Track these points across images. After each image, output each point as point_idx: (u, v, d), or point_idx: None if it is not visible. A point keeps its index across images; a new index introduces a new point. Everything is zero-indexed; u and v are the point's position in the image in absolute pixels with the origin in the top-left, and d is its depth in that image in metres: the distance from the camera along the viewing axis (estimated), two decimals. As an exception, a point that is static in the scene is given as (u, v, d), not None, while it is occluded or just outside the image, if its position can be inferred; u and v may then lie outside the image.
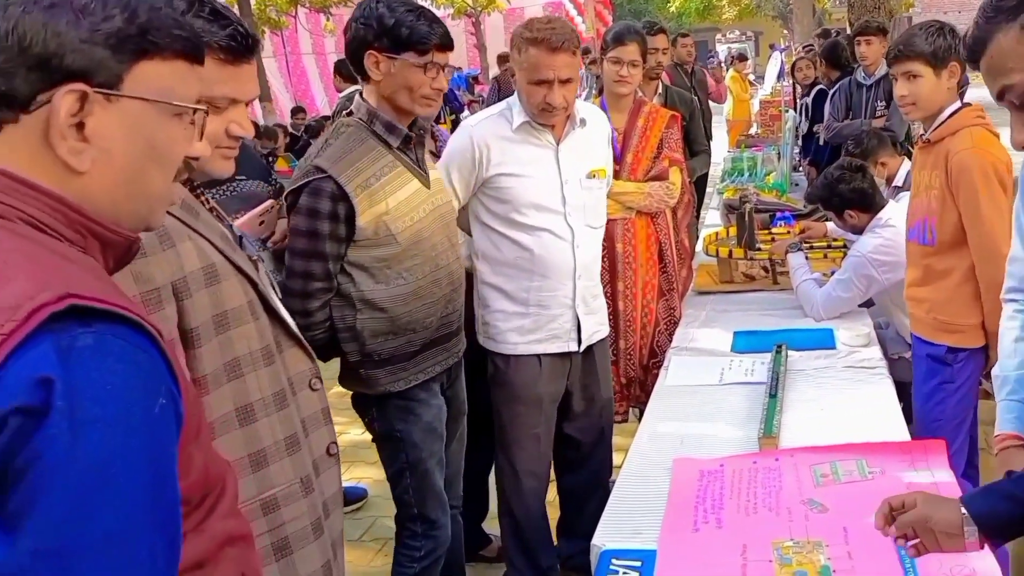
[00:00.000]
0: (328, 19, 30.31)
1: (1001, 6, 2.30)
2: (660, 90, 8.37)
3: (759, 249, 6.30)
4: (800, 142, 11.78)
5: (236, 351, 2.62)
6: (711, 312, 5.83)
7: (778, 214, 7.40)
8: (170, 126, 1.71)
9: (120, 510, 1.40)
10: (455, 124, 13.68)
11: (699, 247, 7.09)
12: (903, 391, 4.69)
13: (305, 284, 3.80)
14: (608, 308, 5.21)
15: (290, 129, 18.12)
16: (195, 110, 1.76)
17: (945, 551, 2.52)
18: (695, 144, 8.23)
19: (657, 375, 5.06)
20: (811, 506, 3.29)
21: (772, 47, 35.59)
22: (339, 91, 9.98)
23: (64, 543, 1.35)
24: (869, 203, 5.53)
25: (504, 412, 4.83)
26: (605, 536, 3.33)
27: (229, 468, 1.90)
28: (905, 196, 5.42)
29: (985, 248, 4.18)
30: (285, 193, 3.88)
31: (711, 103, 12.87)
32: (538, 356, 4.71)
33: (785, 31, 46.64)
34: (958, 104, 4.44)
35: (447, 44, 3.93)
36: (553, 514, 5.19)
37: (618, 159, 5.51)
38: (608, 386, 5.19)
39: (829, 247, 6.29)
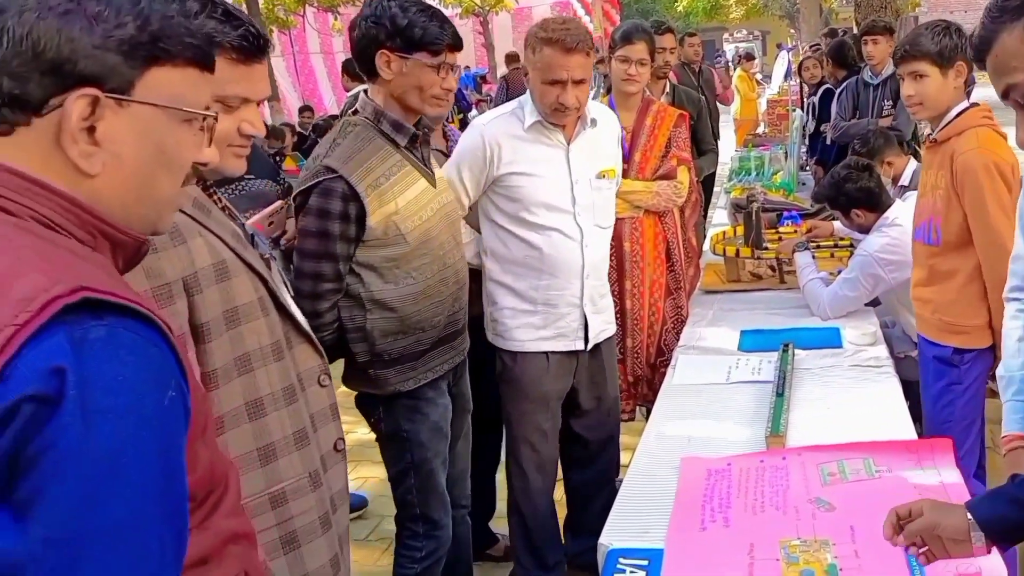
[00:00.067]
0: (336, 18, 30.35)
1: (1006, 6, 2.32)
2: (667, 89, 8.38)
3: (766, 248, 6.29)
4: (807, 141, 11.77)
5: (246, 346, 2.65)
6: (718, 311, 5.84)
7: (785, 213, 7.40)
8: (180, 132, 1.73)
9: (130, 500, 1.42)
10: (463, 123, 13.68)
11: (706, 246, 7.09)
12: (909, 390, 4.68)
13: (315, 285, 3.79)
14: (615, 306, 5.21)
15: (298, 128, 18.13)
16: (205, 116, 1.78)
17: (954, 557, 2.53)
18: (702, 143, 8.24)
19: (664, 373, 5.06)
20: (818, 505, 3.30)
21: (779, 46, 35.62)
22: (347, 90, 9.99)
23: (74, 531, 1.37)
24: (876, 202, 5.53)
25: (512, 409, 4.84)
26: (612, 535, 3.33)
27: (232, 467, 1.91)
28: (912, 195, 5.43)
29: (992, 247, 4.17)
30: (294, 194, 3.86)
31: (718, 104, 12.87)
32: (546, 353, 4.72)
33: (792, 30, 46.67)
34: (965, 104, 4.44)
35: (458, 44, 3.94)
36: (560, 512, 5.19)
37: (626, 158, 5.50)
38: (615, 384, 5.20)
39: (836, 246, 6.28)
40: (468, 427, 4.52)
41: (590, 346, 4.81)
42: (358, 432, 5.61)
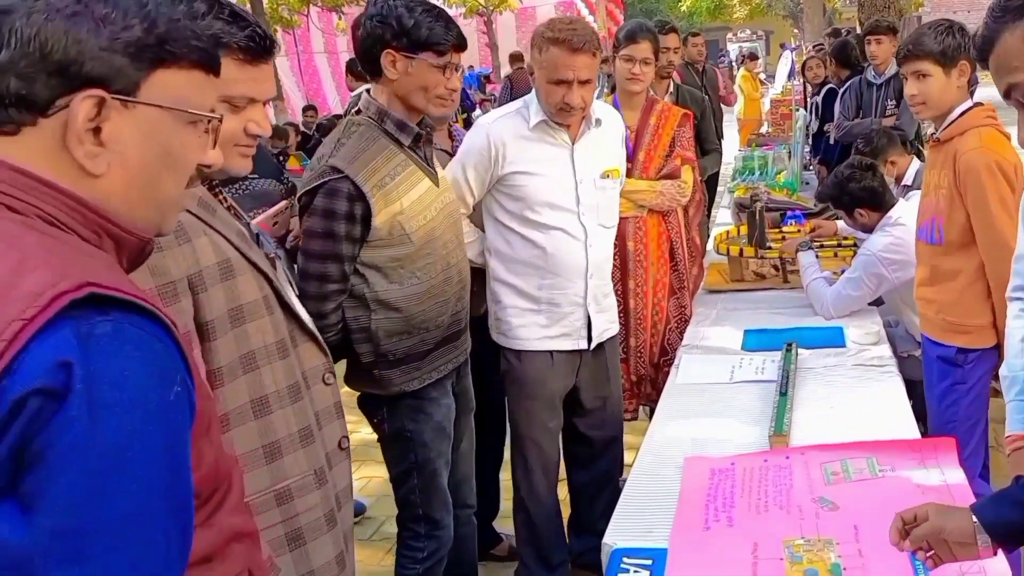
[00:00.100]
0: (340, 18, 30.35)
1: (1008, 6, 2.33)
2: (671, 89, 8.37)
3: (770, 248, 6.30)
4: (810, 141, 11.77)
5: (251, 344, 2.67)
6: (722, 310, 5.85)
7: (789, 213, 7.41)
8: (184, 133, 1.74)
9: (136, 494, 1.43)
10: (467, 123, 13.69)
11: (710, 245, 7.09)
12: (912, 389, 4.69)
13: (321, 286, 3.78)
14: (619, 306, 5.23)
15: (302, 128, 18.13)
16: (209, 118, 1.79)
17: (960, 560, 2.53)
18: (706, 143, 8.23)
19: (668, 373, 5.06)
20: (822, 504, 3.30)
21: (783, 46, 35.60)
22: (351, 90, 9.97)
23: (80, 523, 1.38)
24: (879, 202, 5.53)
25: (518, 409, 4.85)
26: (616, 534, 3.33)
27: (236, 465, 1.93)
28: (915, 195, 5.43)
29: (994, 247, 4.17)
30: (299, 194, 3.85)
31: (721, 104, 12.87)
32: (550, 352, 4.73)
33: (796, 30, 46.60)
34: (969, 103, 4.44)
35: (462, 45, 3.96)
36: (564, 512, 5.19)
37: (630, 157, 5.51)
38: (618, 383, 5.21)
39: (839, 246, 6.29)
40: (471, 426, 4.53)
41: (593, 345, 4.81)
42: (361, 432, 5.60)
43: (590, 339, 4.78)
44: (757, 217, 6.29)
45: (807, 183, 10.05)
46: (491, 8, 34.72)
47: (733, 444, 3.92)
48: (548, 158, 4.57)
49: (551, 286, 4.63)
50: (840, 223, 6.28)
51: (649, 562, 3.10)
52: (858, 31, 15.17)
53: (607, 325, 4.92)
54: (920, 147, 8.72)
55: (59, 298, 1.42)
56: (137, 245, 1.74)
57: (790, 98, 15.55)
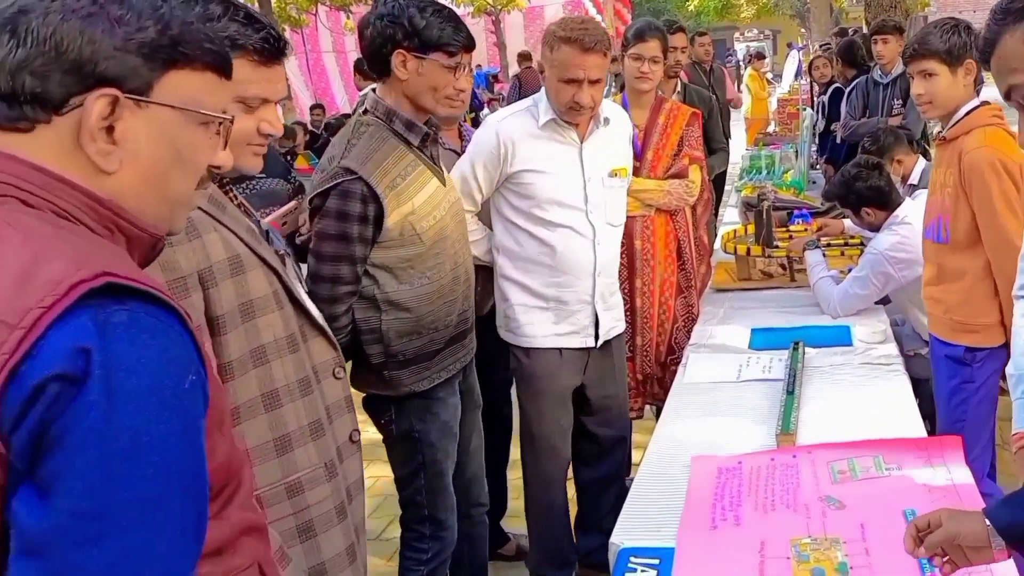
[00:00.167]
0: (348, 17, 30.30)
1: (1010, 8, 2.34)
2: (679, 88, 8.38)
3: (777, 246, 6.30)
4: (817, 140, 11.77)
5: (262, 339, 2.71)
6: (729, 309, 5.86)
7: (796, 212, 7.41)
8: (196, 134, 1.76)
9: (152, 478, 1.45)
10: (475, 122, 13.71)
11: (717, 244, 7.09)
12: (919, 387, 4.69)
13: (333, 288, 3.78)
14: (625, 305, 5.23)
15: (310, 127, 18.13)
16: (221, 120, 1.81)
17: (975, 564, 2.53)
18: (713, 142, 8.24)
19: (675, 372, 5.07)
20: (828, 503, 3.30)
21: (790, 46, 35.62)
22: (359, 89, 10.00)
23: (97, 506, 1.41)
24: (886, 201, 5.54)
25: (529, 407, 4.86)
26: (623, 534, 3.33)
27: (246, 461, 1.95)
28: (921, 194, 5.43)
29: (999, 245, 4.17)
30: (310, 195, 3.84)
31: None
32: (559, 350, 4.74)
33: (803, 30, 46.60)
34: (976, 102, 4.43)
35: (471, 45, 3.97)
36: (571, 510, 5.19)
37: (638, 156, 5.51)
38: (624, 382, 5.23)
39: (846, 244, 6.30)
40: (479, 424, 4.53)
41: (600, 343, 4.82)
42: (368, 432, 5.63)
43: (597, 337, 4.80)
44: (764, 216, 6.29)
45: (814, 182, 10.04)
46: (499, 7, 34.68)
47: (740, 443, 3.93)
48: (557, 156, 4.58)
49: (559, 284, 4.64)
50: (847, 222, 6.28)
51: (656, 561, 3.10)
52: (864, 31, 15.21)
53: (614, 323, 4.93)
54: (926, 146, 8.74)
55: (77, 286, 1.44)
56: (149, 242, 1.76)
57: (797, 97, 15.55)
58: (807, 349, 4.83)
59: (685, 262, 5.77)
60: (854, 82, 10.20)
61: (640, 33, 5.72)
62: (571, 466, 5.16)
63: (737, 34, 60.79)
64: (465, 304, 4.15)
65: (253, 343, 2.69)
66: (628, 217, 5.09)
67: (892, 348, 4.94)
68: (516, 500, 5.68)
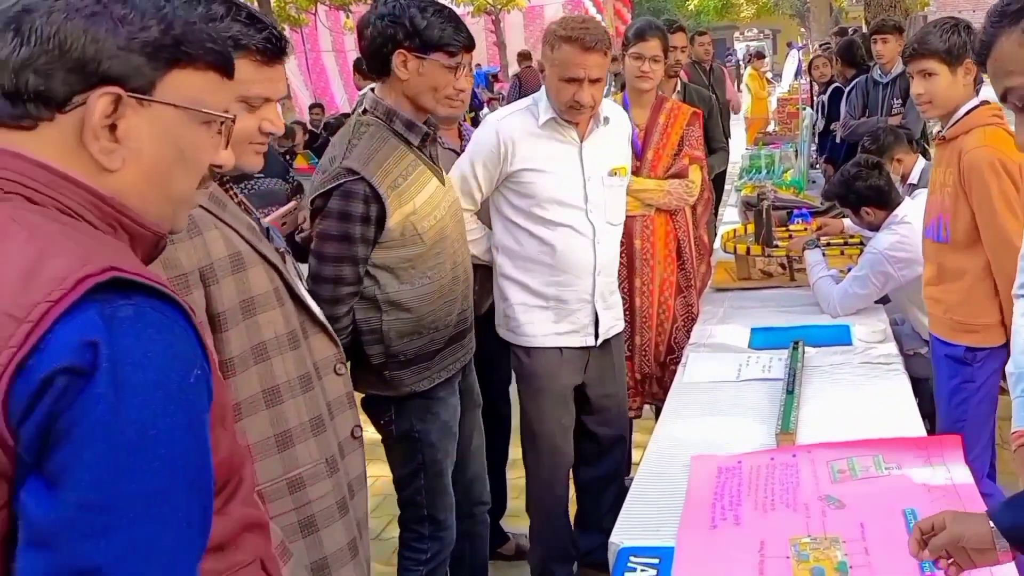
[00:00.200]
0: (348, 16, 30.30)
1: (1006, 11, 2.35)
2: (679, 88, 8.38)
3: (776, 246, 6.30)
4: (817, 140, 11.77)
5: (262, 335, 2.73)
6: (729, 309, 5.86)
7: (795, 211, 7.42)
8: (198, 133, 1.78)
9: (158, 471, 1.47)
10: (474, 121, 13.71)
11: (717, 244, 7.09)
12: (919, 387, 4.69)
13: (335, 289, 3.78)
14: (624, 304, 5.23)
15: (309, 126, 18.12)
16: (223, 119, 1.83)
17: (979, 566, 2.53)
18: (713, 141, 8.24)
19: (675, 371, 5.07)
20: (828, 502, 3.30)
21: (789, 45, 35.63)
22: (359, 88, 10.00)
23: (105, 498, 1.43)
24: (885, 200, 5.54)
25: (531, 406, 4.86)
26: (623, 533, 3.33)
27: (248, 458, 1.96)
28: (921, 193, 5.43)
29: (999, 245, 4.17)
30: (312, 196, 3.84)
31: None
32: (560, 349, 4.75)
33: (802, 29, 46.65)
34: (976, 102, 4.43)
35: (472, 45, 3.98)
36: (570, 509, 5.19)
37: (639, 155, 5.52)
38: (623, 381, 5.24)
39: (846, 244, 6.30)
40: (480, 423, 4.54)
41: (600, 341, 4.83)
42: (367, 431, 5.63)
43: (597, 336, 4.80)
44: (764, 215, 6.30)
45: (813, 181, 10.05)
46: (499, 7, 34.68)
47: (740, 442, 3.92)
48: (557, 155, 4.59)
49: (559, 283, 4.64)
50: (846, 221, 6.28)
51: (656, 561, 3.10)
52: (864, 30, 15.20)
53: (613, 322, 4.93)
54: (926, 146, 8.74)
55: (84, 281, 1.46)
56: (152, 240, 1.77)
57: (797, 97, 15.55)
58: (807, 348, 4.83)
59: (685, 262, 5.77)
60: (854, 81, 10.20)
61: (641, 32, 5.71)
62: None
63: (737, 33, 60.82)
64: (464, 304, 4.15)
65: (254, 340, 2.72)
66: (628, 217, 5.10)
67: (892, 347, 4.94)
68: (515, 500, 5.68)
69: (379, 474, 6.22)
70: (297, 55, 29.27)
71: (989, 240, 4.24)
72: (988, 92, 4.44)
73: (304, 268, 3.73)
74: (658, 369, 5.78)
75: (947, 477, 3.40)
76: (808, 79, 15.06)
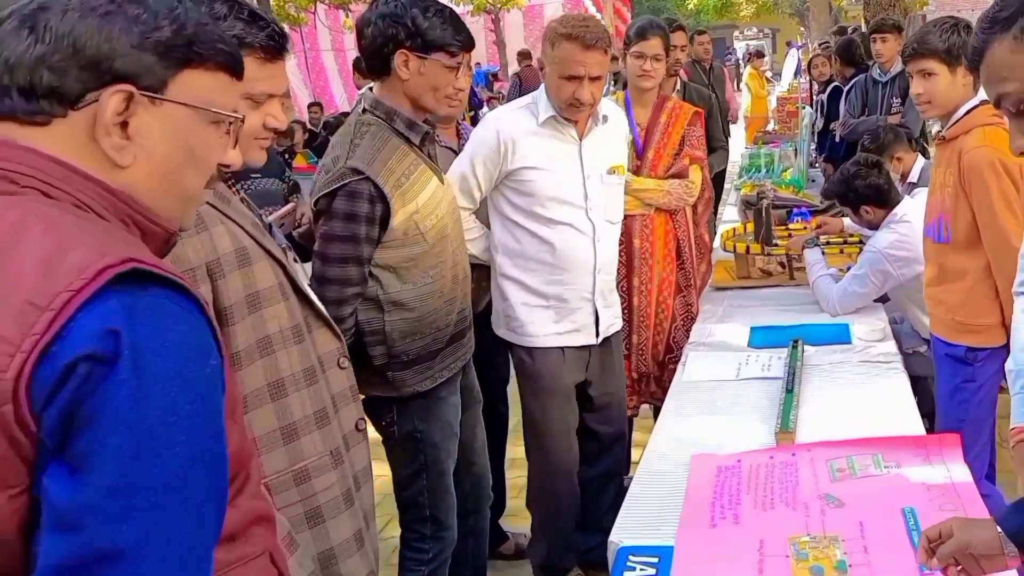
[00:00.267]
0: (347, 15, 30.28)
1: (997, 17, 2.35)
2: (678, 87, 8.39)
3: (776, 245, 6.30)
4: (816, 138, 11.77)
5: (268, 329, 2.77)
6: (728, 307, 5.86)
7: (795, 210, 7.42)
8: (207, 132, 1.81)
9: (178, 457, 1.50)
10: (474, 120, 13.72)
11: (716, 243, 7.09)
12: (918, 385, 4.69)
13: (341, 290, 3.77)
14: (623, 303, 5.25)
15: (308, 125, 18.10)
16: (232, 119, 1.85)
17: (988, 573, 2.52)
18: (713, 140, 8.23)
19: (674, 371, 5.07)
20: (827, 501, 3.30)
21: (789, 44, 35.63)
22: (359, 87, 10.00)
23: (128, 483, 1.46)
24: (885, 199, 5.54)
25: (535, 406, 4.87)
26: (623, 532, 3.33)
27: (254, 453, 2.00)
28: (920, 192, 5.43)
29: (999, 245, 4.17)
30: (316, 197, 3.83)
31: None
32: (561, 348, 4.75)
33: (802, 28, 46.66)
34: (975, 101, 4.42)
35: (472, 45, 4.00)
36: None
37: (640, 155, 5.54)
38: (623, 378, 5.25)
39: (845, 243, 6.30)
40: (481, 420, 4.55)
41: (600, 339, 4.84)
42: (369, 430, 5.63)
43: (598, 333, 4.81)
44: (763, 214, 6.30)
45: (813, 180, 10.05)
46: (498, 6, 34.67)
47: (739, 441, 3.92)
48: (556, 153, 4.59)
49: (559, 282, 4.65)
50: (846, 220, 6.28)
51: (655, 560, 3.10)
52: (863, 29, 15.20)
53: (613, 320, 4.95)
54: (925, 144, 8.74)
55: (104, 271, 1.49)
56: (162, 236, 1.80)
57: (796, 96, 15.59)
58: (806, 347, 4.83)
59: (684, 261, 5.77)
60: (853, 80, 10.21)
61: (642, 31, 5.72)
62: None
63: (736, 32, 60.80)
64: (464, 302, 4.16)
65: (259, 334, 2.75)
66: (627, 216, 5.11)
67: (891, 346, 4.94)
68: (514, 499, 5.68)
69: (379, 473, 6.20)
70: (296, 54, 29.25)
71: (989, 240, 4.24)
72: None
73: (308, 267, 3.74)
74: (656, 369, 5.78)
75: (946, 476, 3.40)
76: (807, 78, 15.08)
